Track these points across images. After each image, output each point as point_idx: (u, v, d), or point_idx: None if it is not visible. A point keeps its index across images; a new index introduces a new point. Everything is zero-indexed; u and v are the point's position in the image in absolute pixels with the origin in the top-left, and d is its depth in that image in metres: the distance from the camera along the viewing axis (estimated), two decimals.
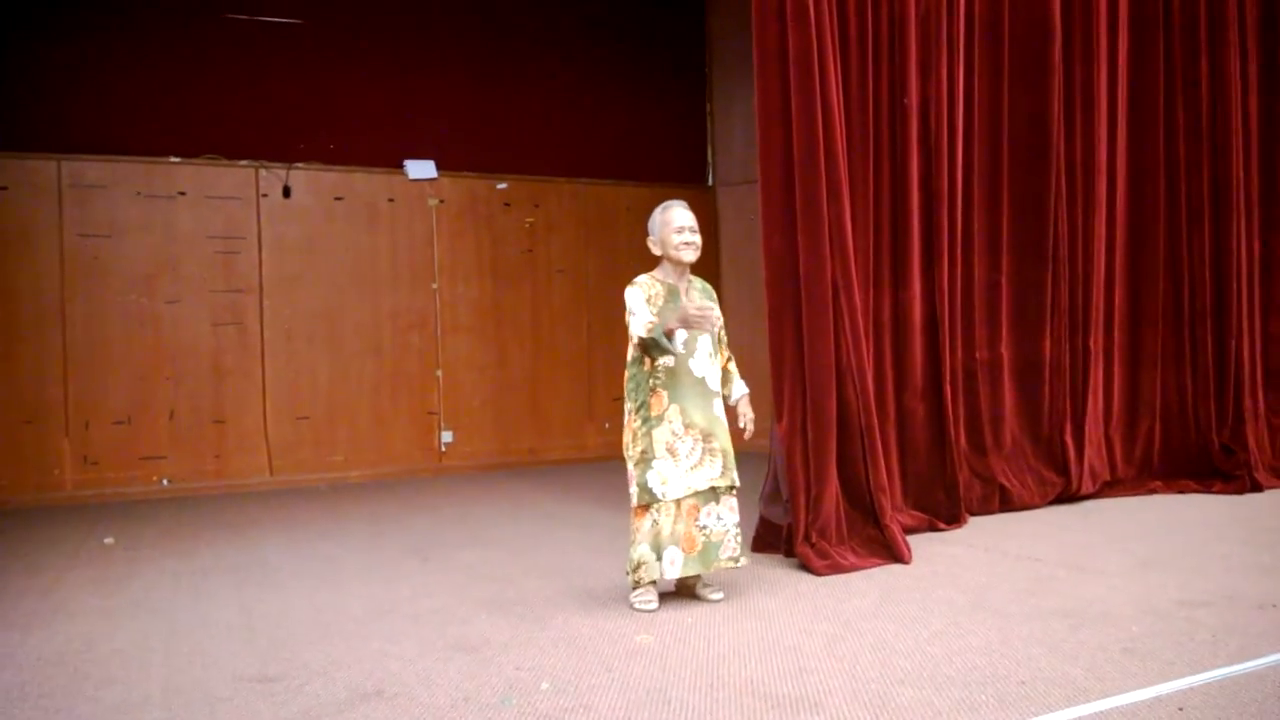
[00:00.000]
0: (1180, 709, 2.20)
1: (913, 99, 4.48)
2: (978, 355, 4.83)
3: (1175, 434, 5.37)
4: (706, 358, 3.30)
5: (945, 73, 4.62)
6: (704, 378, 3.29)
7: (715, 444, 3.28)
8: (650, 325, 3.13)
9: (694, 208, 3.48)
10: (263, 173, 6.76)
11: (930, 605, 3.21)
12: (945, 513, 4.46)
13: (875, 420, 4.02)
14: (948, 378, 4.59)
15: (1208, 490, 5.15)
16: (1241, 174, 5.49)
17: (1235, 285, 5.43)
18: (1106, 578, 3.49)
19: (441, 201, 7.34)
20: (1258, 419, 5.46)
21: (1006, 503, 4.80)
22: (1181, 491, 5.18)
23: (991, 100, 4.85)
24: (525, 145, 7.65)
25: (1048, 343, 5.03)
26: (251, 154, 6.76)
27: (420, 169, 7.23)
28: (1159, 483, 5.24)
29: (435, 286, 7.26)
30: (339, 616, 3.31)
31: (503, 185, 7.53)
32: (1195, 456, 5.30)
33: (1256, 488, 5.10)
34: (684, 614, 3.19)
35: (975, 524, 4.55)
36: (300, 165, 6.89)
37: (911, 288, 4.51)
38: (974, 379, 4.81)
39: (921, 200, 4.54)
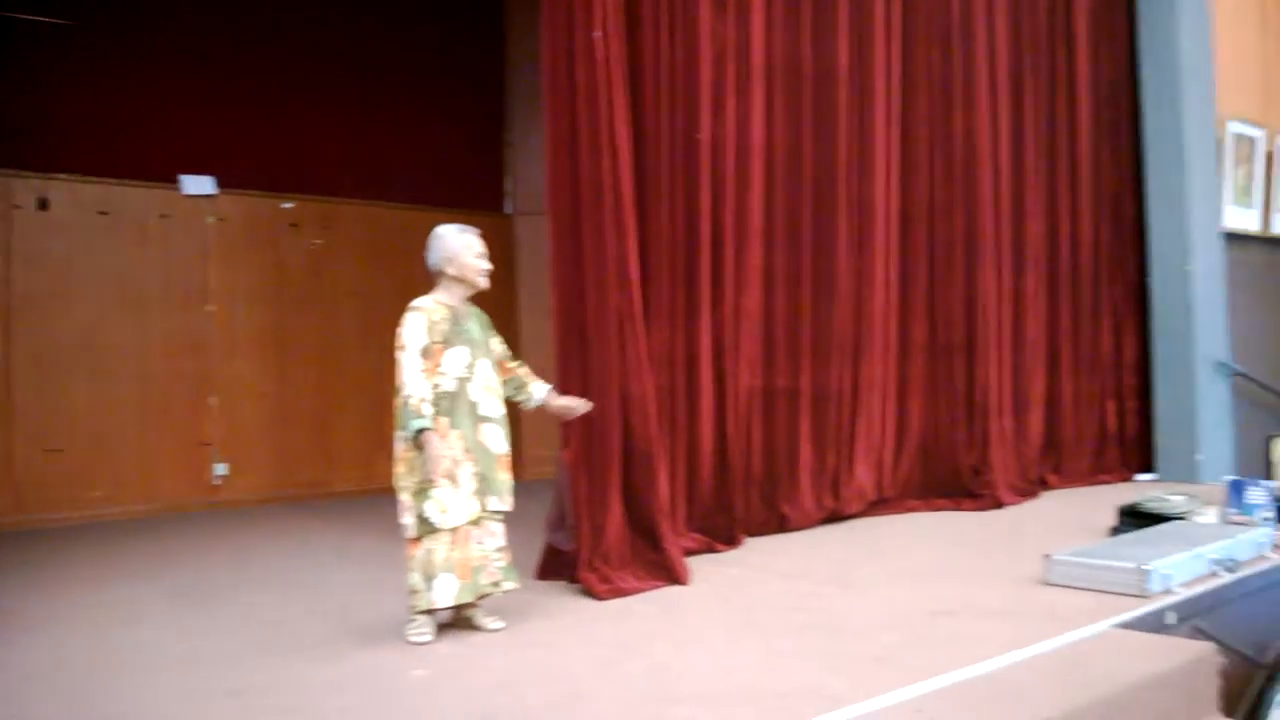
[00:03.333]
0: (918, 710, 2.38)
1: (705, 135, 4.66)
2: (774, 383, 5.05)
3: (932, 456, 5.80)
4: (484, 383, 3.32)
5: (741, 113, 4.84)
6: (480, 403, 3.30)
7: (492, 469, 3.29)
8: (419, 416, 3.10)
9: (491, 235, 3.50)
10: (15, 182, 6.21)
11: (704, 625, 3.33)
12: (724, 535, 4.63)
13: (658, 448, 4.14)
14: (734, 406, 4.78)
15: (959, 507, 5.58)
16: (992, 220, 6.04)
17: (986, 321, 5.95)
18: (865, 591, 3.74)
19: (221, 220, 6.97)
20: (1004, 443, 5.98)
21: (784, 524, 5.03)
22: (936, 509, 5.59)
23: (790, 141, 5.10)
24: (315, 165, 7.39)
25: (834, 372, 5.33)
26: (2, 162, 6.19)
27: (197, 184, 6.84)
28: (917, 501, 5.63)
29: (211, 309, 6.88)
30: (91, 665, 3.07)
31: (288, 205, 7.25)
32: (949, 477, 5.74)
33: (999, 504, 5.58)
34: (461, 645, 3.16)
35: (752, 545, 4.74)
36: (60, 176, 6.37)
37: (701, 319, 4.66)
38: (769, 406, 5.02)
39: (713, 235, 4.72)
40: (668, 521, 4.07)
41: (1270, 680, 3.65)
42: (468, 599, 3.24)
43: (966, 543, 4.71)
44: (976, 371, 5.89)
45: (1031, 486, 6.02)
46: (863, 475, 5.47)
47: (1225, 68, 6.78)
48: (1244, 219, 7.00)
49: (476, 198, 8.19)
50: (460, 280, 3.36)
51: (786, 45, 5.06)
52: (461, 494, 3.21)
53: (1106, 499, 5.08)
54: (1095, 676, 2.54)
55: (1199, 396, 6.37)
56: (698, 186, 4.63)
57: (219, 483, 6.82)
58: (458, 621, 3.35)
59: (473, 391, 3.29)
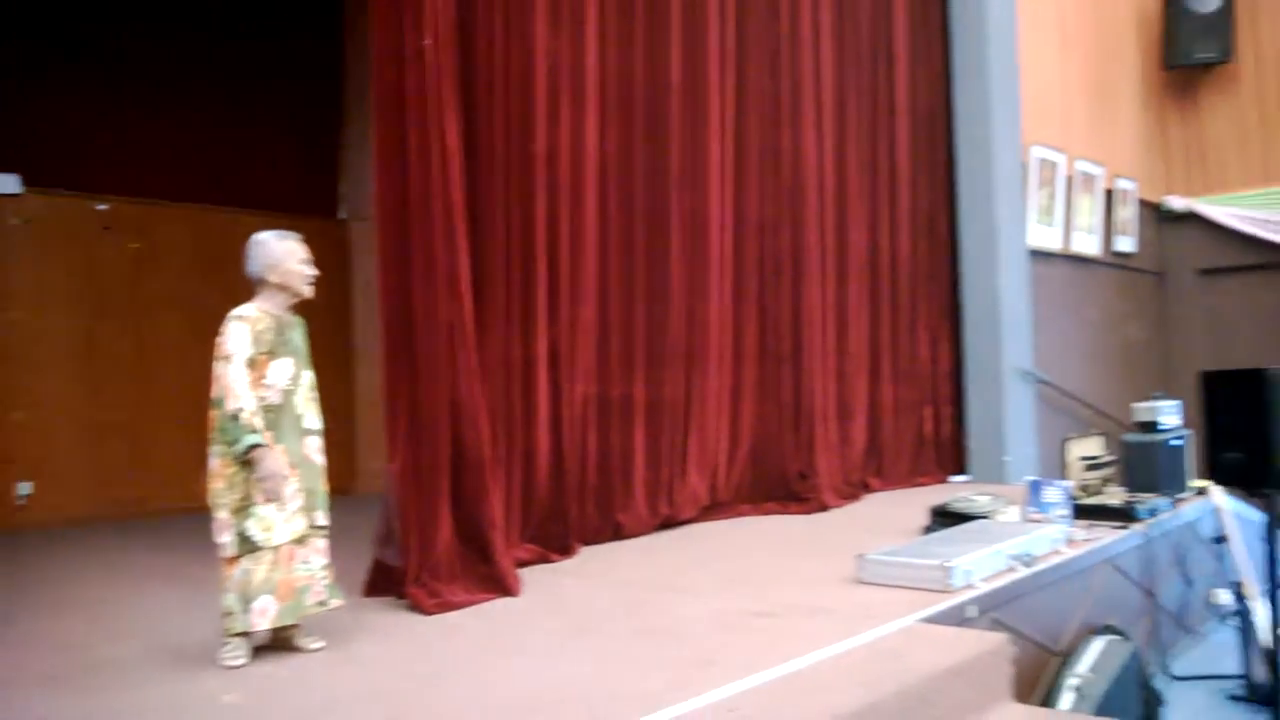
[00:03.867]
0: (731, 709, 2.46)
1: (540, 147, 4.68)
2: (609, 392, 5.11)
3: (763, 462, 5.99)
4: (307, 395, 3.24)
5: (575, 125, 4.88)
6: (305, 415, 3.22)
7: (317, 484, 3.22)
8: (252, 431, 2.99)
9: (323, 241, 3.41)
10: None
11: (532, 635, 3.34)
12: (559, 544, 4.64)
13: (489, 459, 4.12)
14: (570, 415, 4.81)
15: (787, 511, 5.79)
16: (818, 235, 6.30)
17: (812, 332, 6.20)
18: (693, 596, 3.83)
19: (26, 221, 6.51)
20: (829, 448, 6.24)
21: (619, 532, 5.09)
22: (766, 513, 5.78)
23: (624, 154, 5.17)
24: (133, 164, 6.99)
25: (669, 381, 5.43)
26: None
27: None
28: (748, 506, 5.81)
29: (14, 317, 6.40)
30: None
31: (103, 206, 6.84)
32: (778, 482, 5.95)
33: (824, 507, 5.82)
34: (278, 667, 3.05)
35: (588, 553, 4.77)
36: None
37: (537, 329, 4.67)
38: (605, 415, 5.07)
39: (549, 245, 4.74)
40: (499, 533, 4.05)
41: (1063, 666, 3.95)
42: (289, 621, 3.13)
43: (791, 545, 4.89)
44: (803, 380, 6.13)
45: (855, 489, 6.31)
46: (696, 482, 5.60)
47: (1030, 97, 7.31)
48: (1047, 237, 7.56)
49: (309, 202, 7.95)
50: (284, 288, 3.26)
51: (620, 59, 5.14)
52: (286, 511, 3.11)
53: (922, 500, 5.37)
54: (897, 669, 2.70)
55: (1006, 403, 6.84)
56: (533, 197, 4.65)
57: (23, 503, 6.35)
58: (276, 643, 3.23)
59: (298, 404, 3.21)
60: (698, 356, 5.63)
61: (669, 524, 5.37)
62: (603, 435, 5.09)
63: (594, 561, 4.62)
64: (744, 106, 5.93)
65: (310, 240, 3.36)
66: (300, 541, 3.16)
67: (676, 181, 5.44)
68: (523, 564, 4.29)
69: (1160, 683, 4.79)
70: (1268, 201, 8.91)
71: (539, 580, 4.16)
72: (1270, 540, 3.52)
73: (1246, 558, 4.99)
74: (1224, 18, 8.88)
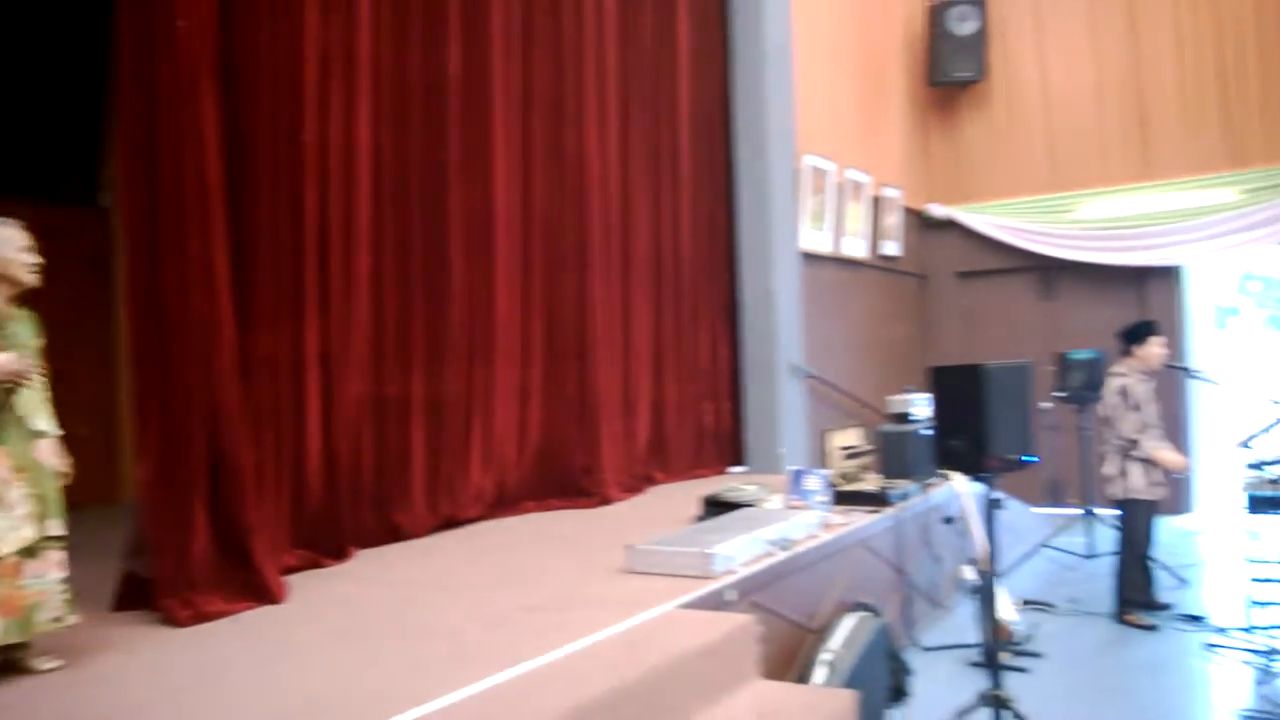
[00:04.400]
0: (485, 703, 2.50)
1: (309, 135, 4.53)
2: (386, 391, 5.01)
3: (550, 458, 6.05)
4: (33, 394, 3.02)
5: (346, 115, 4.74)
6: (29, 416, 2.99)
7: (44, 490, 3.00)
8: None
9: (83, 230, 3.16)
10: None
11: (292, 642, 3.25)
12: (331, 548, 4.53)
13: (250, 462, 3.96)
14: (343, 415, 4.69)
15: (573, 506, 5.89)
16: (602, 233, 6.42)
17: (597, 329, 6.31)
18: (464, 594, 3.83)
19: None
20: (614, 443, 6.37)
21: (398, 533, 5.01)
22: (552, 509, 5.86)
23: (399, 147, 5.07)
24: None
25: (450, 378, 5.38)
26: None
27: None
28: (535, 503, 5.86)
29: None
30: None
31: None
32: (564, 477, 6.03)
33: (609, 501, 5.96)
34: (4, 691, 2.84)
35: (364, 556, 4.67)
36: None
37: (307, 325, 4.52)
38: (380, 414, 4.97)
39: (319, 238, 4.60)
40: (262, 539, 3.90)
41: (818, 642, 4.22)
42: (16, 639, 2.91)
43: (570, 540, 4.98)
44: (589, 376, 6.24)
45: (638, 483, 6.49)
46: (482, 479, 5.59)
47: (804, 108, 7.73)
48: (818, 241, 8.01)
49: (64, 188, 7.34)
50: (3, 278, 3.02)
51: (394, 50, 5.05)
52: (13, 520, 2.89)
53: (702, 491, 5.57)
54: (647, 654, 2.81)
55: (780, 397, 7.22)
56: (302, 189, 4.50)
57: None
58: (3, 665, 3.00)
59: (22, 404, 2.98)
60: (483, 353, 5.62)
61: (452, 523, 5.33)
62: (379, 435, 4.99)
63: (369, 564, 4.53)
64: (529, 103, 5.97)
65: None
66: (30, 553, 2.94)
67: (457, 176, 5.41)
68: (291, 570, 4.17)
69: (910, 654, 5.20)
70: (1017, 210, 9.80)
71: (308, 586, 4.05)
72: (989, 519, 3.89)
73: (985, 536, 5.47)
74: (979, 39, 9.69)
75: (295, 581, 4.03)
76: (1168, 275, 9.30)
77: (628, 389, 6.63)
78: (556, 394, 6.12)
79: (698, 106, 7.36)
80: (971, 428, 3.55)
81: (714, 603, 3.59)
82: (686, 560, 3.82)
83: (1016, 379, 3.82)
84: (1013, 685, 4.81)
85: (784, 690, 3.16)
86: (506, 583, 4.00)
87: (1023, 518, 7.82)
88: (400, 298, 5.11)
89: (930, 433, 6.05)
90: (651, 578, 3.83)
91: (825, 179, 8.03)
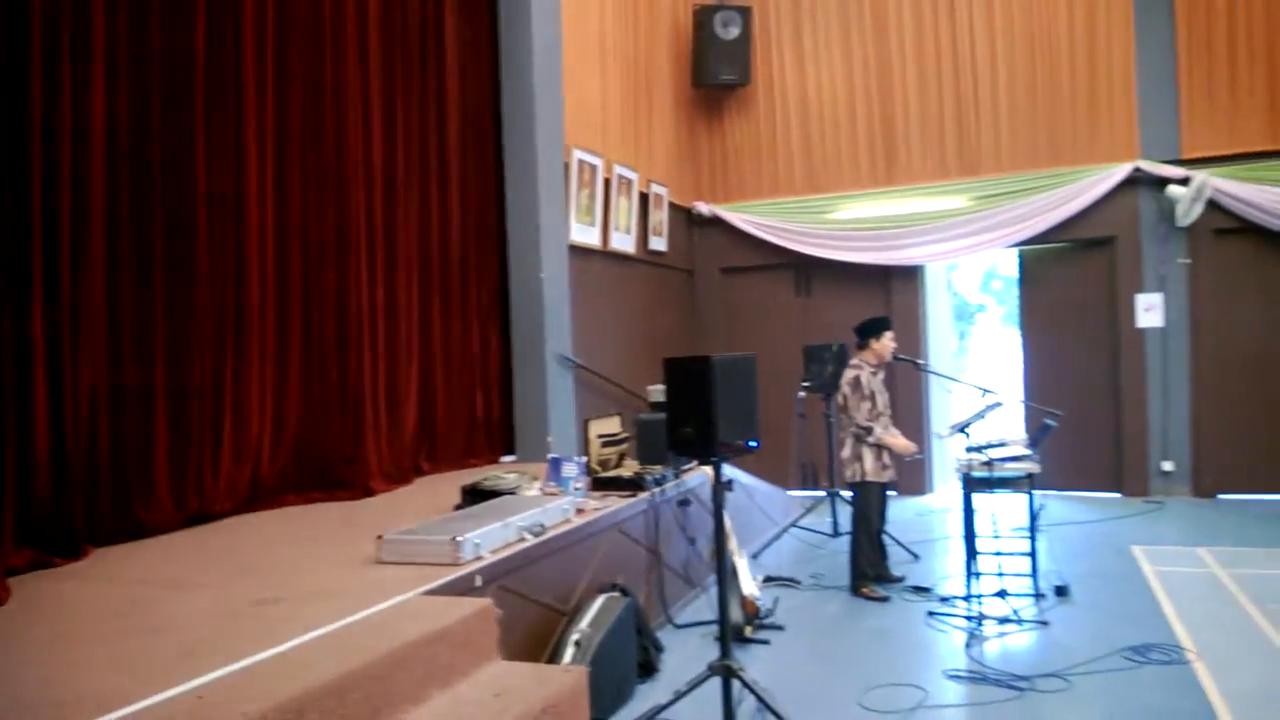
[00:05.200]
0: (199, 698, 2.46)
1: (35, 110, 4.21)
2: (124, 380, 4.73)
3: (309, 450, 5.89)
4: None
5: (78, 91, 4.44)
6: None
7: None
8: None
9: None
10: None
11: (8, 643, 3.06)
12: (63, 547, 4.26)
13: None
14: (76, 405, 4.41)
15: (333, 498, 5.77)
16: (365, 222, 6.30)
17: (361, 319, 6.19)
18: (199, 590, 3.71)
19: None
20: (378, 434, 6.29)
21: (141, 529, 4.76)
22: (312, 502, 5.72)
23: (138, 127, 4.79)
24: None
25: (198, 368, 5.14)
26: None
27: None
28: (293, 495, 5.70)
29: None
30: None
31: None
32: (324, 469, 5.90)
33: (371, 493, 5.89)
34: None
35: (102, 554, 4.42)
36: None
37: (33, 310, 4.21)
38: (119, 405, 4.69)
39: (45, 218, 4.28)
40: None
41: (568, 623, 4.37)
42: None
43: (324, 532, 4.90)
44: (352, 366, 6.12)
45: (405, 474, 6.44)
46: (234, 472, 5.38)
47: (572, 103, 7.88)
48: (587, 235, 8.19)
49: None
50: None
51: (133, 23, 4.78)
52: None
53: (469, 481, 5.62)
54: (377, 641, 2.84)
55: (549, 387, 7.35)
56: (28, 166, 4.20)
57: None
58: None
59: None
60: (235, 342, 5.41)
61: (202, 518, 5.12)
62: (117, 426, 4.71)
63: (105, 562, 4.30)
64: (284, 86, 5.78)
65: None
66: None
67: (204, 160, 5.17)
68: (16, 570, 3.90)
69: (663, 631, 5.46)
70: (777, 210, 10.39)
71: (35, 586, 3.83)
72: (716, 502, 4.15)
73: (729, 518, 5.82)
74: (743, 45, 10.19)
75: (20, 582, 3.79)
76: (911, 274, 10.14)
77: (394, 379, 6.54)
78: (317, 384, 5.97)
79: (467, 98, 7.34)
80: (701, 416, 3.78)
81: (461, 589, 3.65)
82: (435, 548, 3.86)
83: (742, 369, 4.10)
84: (754, 656, 5.20)
85: (521, 670, 3.27)
86: (246, 577, 3.90)
87: (776, 500, 8.34)
88: (139, 282, 4.84)
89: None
90: (401, 567, 3.86)
91: (594, 174, 8.22)
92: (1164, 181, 9.05)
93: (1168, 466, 9.25)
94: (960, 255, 10.13)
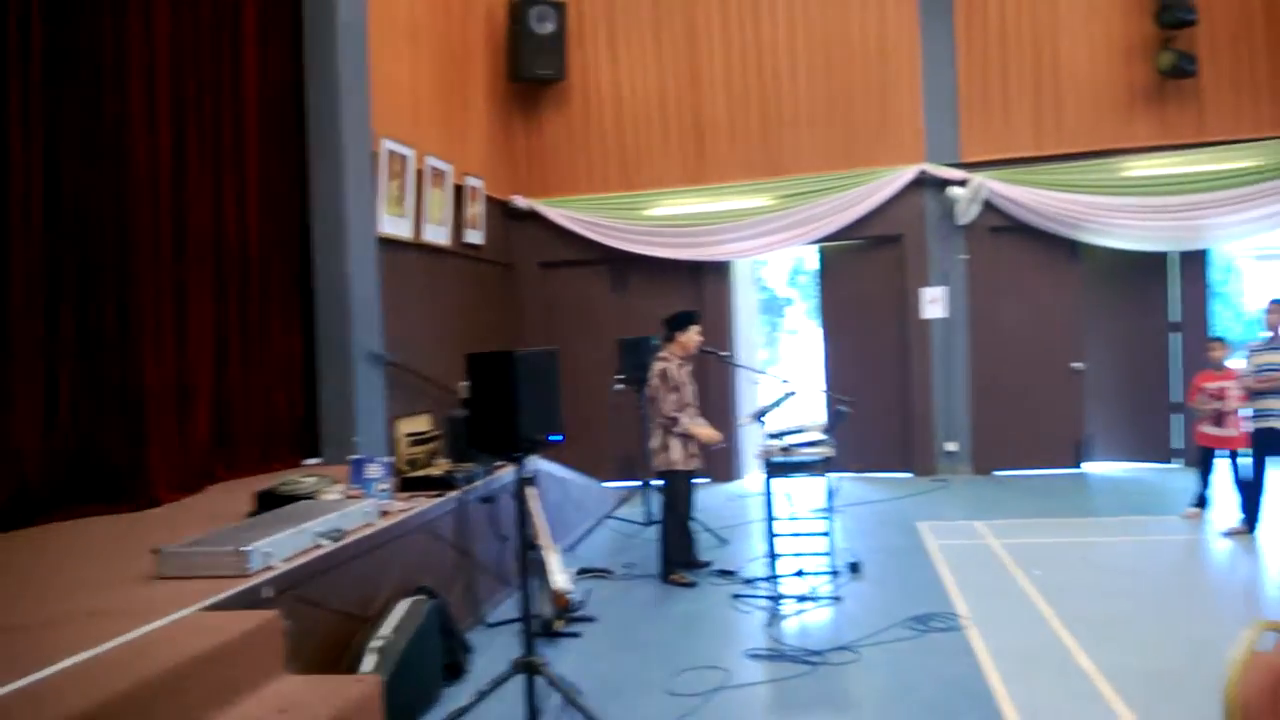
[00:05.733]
0: None
1: None
2: None
3: (82, 458, 5.47)
4: None
5: None
6: None
7: None
8: None
9: None
10: None
11: None
12: None
13: None
14: None
15: (114, 511, 5.39)
16: (151, 212, 5.89)
17: (145, 316, 5.79)
18: None
19: None
20: (165, 439, 5.91)
21: None
22: (89, 515, 5.32)
23: None
24: None
25: None
26: None
27: None
28: (65, 508, 5.28)
29: None
30: None
31: None
32: (100, 478, 5.49)
33: (157, 503, 5.54)
34: None
35: None
36: None
37: None
38: None
39: None
40: None
41: (370, 631, 4.26)
42: None
43: (99, 547, 4.58)
44: (134, 367, 5.73)
45: (197, 481, 6.09)
46: None
47: (381, 91, 7.65)
48: (399, 227, 8.00)
49: None
50: None
51: None
52: None
53: (267, 486, 5.38)
54: (147, 663, 2.69)
55: (357, 385, 7.13)
56: None
57: None
58: None
59: None
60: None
61: None
62: None
63: None
64: (56, 68, 5.34)
65: None
66: None
67: None
68: None
69: (473, 632, 5.42)
70: (593, 206, 10.46)
71: None
72: (519, 497, 4.16)
73: (539, 513, 5.83)
74: (558, 40, 10.18)
75: None
76: (720, 269, 10.45)
77: (183, 380, 6.16)
78: (92, 388, 5.56)
79: (266, 80, 6.99)
80: (505, 411, 3.77)
81: (248, 601, 3.50)
82: (218, 560, 3.68)
83: (544, 364, 4.11)
84: (565, 650, 5.25)
85: (308, 683, 3.17)
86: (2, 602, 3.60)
87: (591, 492, 8.42)
88: None
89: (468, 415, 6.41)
90: (183, 583, 3.65)
91: (405, 164, 8.03)
92: (946, 183, 9.71)
93: (951, 447, 9.96)
94: (766, 251, 10.52)
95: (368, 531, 4.56)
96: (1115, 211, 9.40)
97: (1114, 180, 9.44)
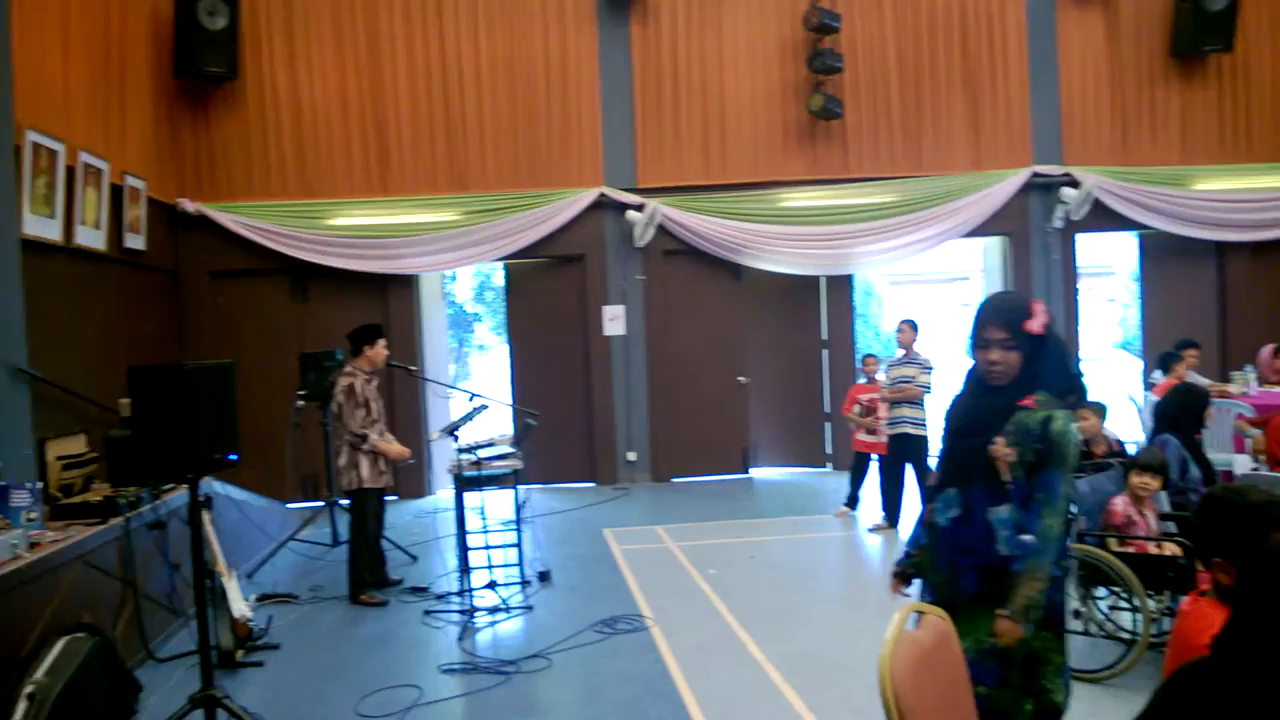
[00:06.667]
0: None
1: None
2: None
3: None
4: None
5: None
6: None
7: None
8: None
9: None
10: None
11: None
12: None
13: None
14: None
15: None
16: None
17: None
18: None
19: None
20: None
21: None
22: None
23: None
24: None
25: None
26: None
27: None
28: None
29: None
30: None
31: None
32: None
33: None
34: None
35: None
36: None
37: None
38: None
39: None
40: None
41: (21, 674, 3.84)
42: None
43: None
44: None
45: None
46: None
47: (25, 81, 6.83)
48: (46, 228, 7.18)
49: None
50: None
51: None
52: None
53: None
54: None
55: None
56: None
57: None
58: None
59: None
60: None
61: None
62: None
63: None
64: None
65: None
66: None
67: None
68: None
69: (143, 669, 5.01)
70: (270, 213, 9.93)
71: None
72: (194, 522, 3.95)
73: (215, 537, 5.51)
74: (230, 36, 9.56)
75: None
76: (407, 283, 10.35)
77: None
78: None
79: None
80: (174, 429, 3.56)
81: None
82: None
83: (219, 379, 3.91)
84: (246, 681, 5.00)
85: None
86: None
87: (272, 514, 8.02)
88: None
89: (131, 435, 5.94)
90: None
91: (54, 160, 7.23)
92: (624, 207, 10.29)
93: (632, 456, 10.54)
94: (451, 266, 10.57)
95: (13, 566, 4.10)
96: (773, 238, 10.44)
97: (772, 210, 10.48)
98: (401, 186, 10.20)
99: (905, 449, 7.70)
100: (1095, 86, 10.95)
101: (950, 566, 2.89)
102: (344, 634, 5.81)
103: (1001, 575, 2.76)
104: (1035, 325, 2.79)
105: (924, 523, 3.04)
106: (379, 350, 6.46)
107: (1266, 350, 9.40)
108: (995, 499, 2.79)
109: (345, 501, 6.61)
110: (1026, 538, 2.73)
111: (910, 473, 7.76)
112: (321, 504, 8.31)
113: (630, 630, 5.55)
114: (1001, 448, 2.76)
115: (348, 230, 10.04)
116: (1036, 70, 10.85)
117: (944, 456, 2.97)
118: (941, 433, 3.01)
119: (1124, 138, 10.99)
